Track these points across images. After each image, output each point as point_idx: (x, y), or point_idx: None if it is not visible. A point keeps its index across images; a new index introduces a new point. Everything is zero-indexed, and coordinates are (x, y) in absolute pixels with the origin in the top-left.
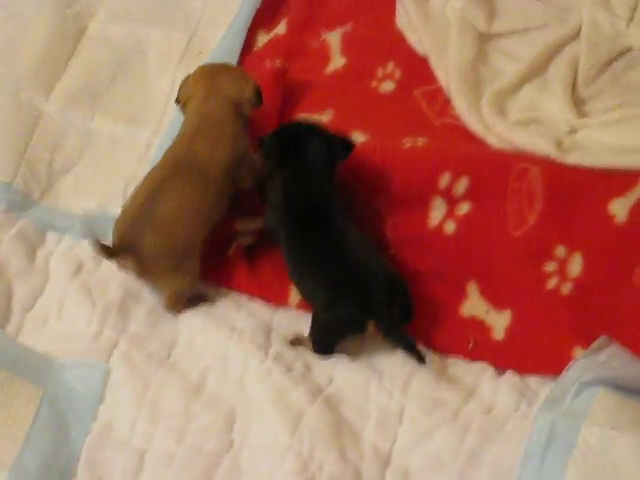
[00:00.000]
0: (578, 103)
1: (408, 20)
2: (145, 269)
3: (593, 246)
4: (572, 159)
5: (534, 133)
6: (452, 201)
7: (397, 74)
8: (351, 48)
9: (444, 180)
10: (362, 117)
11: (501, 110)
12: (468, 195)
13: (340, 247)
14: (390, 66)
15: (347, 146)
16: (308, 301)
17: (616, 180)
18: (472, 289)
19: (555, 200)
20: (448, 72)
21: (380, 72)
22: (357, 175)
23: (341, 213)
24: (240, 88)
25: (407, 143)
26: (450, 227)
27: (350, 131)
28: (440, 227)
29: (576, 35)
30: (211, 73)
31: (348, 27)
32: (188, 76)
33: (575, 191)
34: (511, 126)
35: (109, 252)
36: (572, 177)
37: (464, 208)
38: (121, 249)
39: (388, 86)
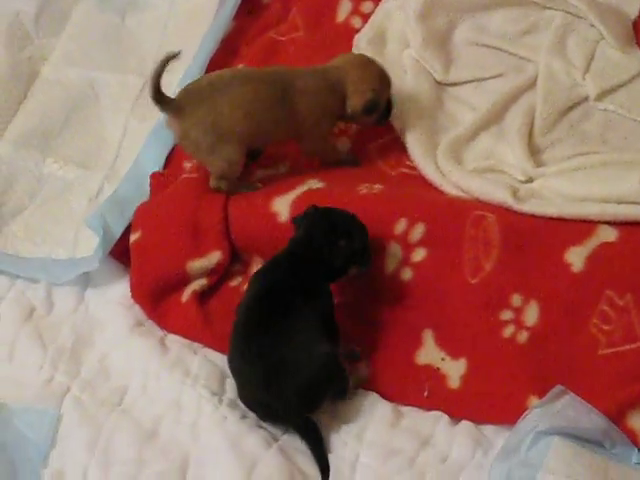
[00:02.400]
0: (535, 152)
1: None
2: (184, 136)
3: (549, 295)
4: (528, 207)
5: (490, 181)
6: (408, 247)
7: (351, 130)
8: None
9: (400, 226)
10: (318, 168)
11: (457, 158)
12: (424, 241)
13: (276, 341)
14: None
15: (368, 261)
16: None
17: (573, 229)
18: (427, 337)
19: (511, 248)
20: (404, 120)
21: (335, 128)
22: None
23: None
24: (355, 91)
25: (363, 189)
26: (406, 274)
27: (306, 180)
28: (396, 273)
29: (533, 84)
30: (363, 61)
31: None
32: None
33: (532, 239)
34: (467, 174)
35: (162, 102)
36: (528, 225)
37: (420, 254)
38: (174, 108)
39: (344, 145)
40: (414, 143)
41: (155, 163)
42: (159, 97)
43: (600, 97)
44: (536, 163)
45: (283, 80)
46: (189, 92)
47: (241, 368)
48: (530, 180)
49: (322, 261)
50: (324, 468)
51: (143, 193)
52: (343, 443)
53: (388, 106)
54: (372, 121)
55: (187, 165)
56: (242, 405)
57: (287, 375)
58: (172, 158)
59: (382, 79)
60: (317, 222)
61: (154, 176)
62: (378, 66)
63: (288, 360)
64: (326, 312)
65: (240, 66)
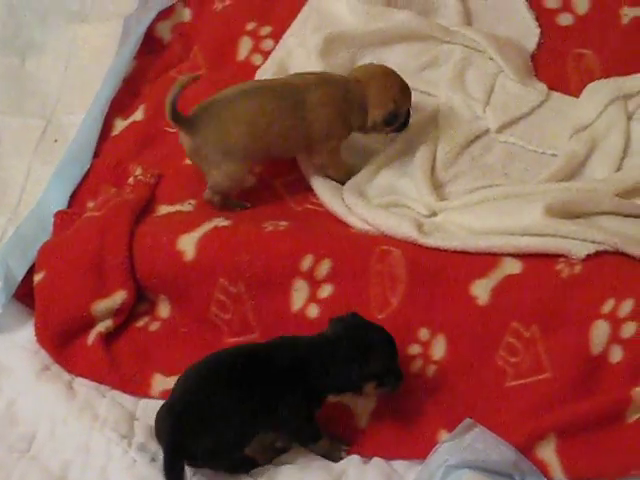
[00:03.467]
0: (437, 186)
1: None
2: (194, 152)
3: (456, 328)
4: (433, 241)
5: (395, 215)
6: (314, 284)
7: (257, 168)
8: None
9: (306, 263)
10: None
11: (361, 194)
12: (330, 278)
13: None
14: None
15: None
16: None
17: (477, 262)
18: None
19: (417, 282)
20: None
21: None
22: (218, 258)
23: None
24: (376, 102)
25: (269, 227)
26: (313, 310)
27: (212, 217)
28: (303, 310)
29: (434, 119)
30: (384, 72)
31: None
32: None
33: (437, 273)
34: (372, 208)
35: (178, 120)
36: (433, 259)
37: (327, 291)
38: (187, 125)
39: (249, 180)
40: (320, 180)
41: (59, 203)
42: (175, 116)
43: (501, 129)
44: (439, 197)
45: (295, 92)
46: (202, 109)
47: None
48: (434, 214)
49: (330, 373)
50: None
51: (46, 233)
52: None
53: (407, 115)
54: (390, 130)
55: (90, 204)
56: (152, 447)
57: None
58: (76, 197)
59: (402, 90)
60: (343, 332)
61: (58, 215)
62: (398, 77)
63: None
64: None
65: (253, 79)
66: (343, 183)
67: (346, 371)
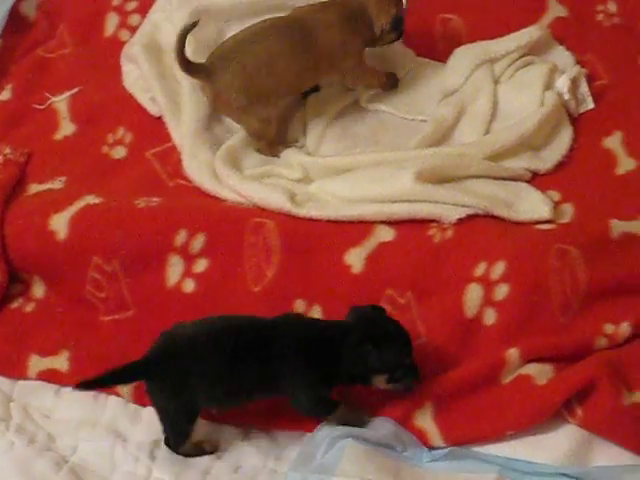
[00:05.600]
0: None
1: (137, 78)
2: (218, 99)
3: (331, 298)
4: (306, 211)
5: (268, 186)
6: (189, 258)
7: (128, 138)
8: (80, 114)
9: (180, 238)
10: (95, 182)
11: (235, 165)
12: (205, 252)
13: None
14: (120, 131)
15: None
16: None
17: (351, 230)
18: None
19: (292, 253)
20: (182, 132)
21: (110, 138)
22: (91, 237)
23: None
24: (380, 11)
25: (141, 203)
26: (188, 285)
27: (84, 195)
28: (178, 285)
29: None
30: None
31: (75, 91)
32: None
33: (311, 243)
34: (245, 180)
35: (192, 70)
36: (307, 230)
37: (202, 265)
38: (204, 72)
39: (120, 151)
40: (189, 157)
41: None
42: (187, 65)
43: (370, 99)
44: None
45: (300, 25)
46: (217, 56)
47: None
48: (306, 177)
49: (342, 358)
50: None
51: None
52: (134, 459)
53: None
54: (395, 37)
55: None
56: (30, 428)
57: None
58: None
59: None
60: (360, 320)
61: None
62: None
63: None
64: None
65: (264, 20)
66: (387, 89)
67: (356, 360)
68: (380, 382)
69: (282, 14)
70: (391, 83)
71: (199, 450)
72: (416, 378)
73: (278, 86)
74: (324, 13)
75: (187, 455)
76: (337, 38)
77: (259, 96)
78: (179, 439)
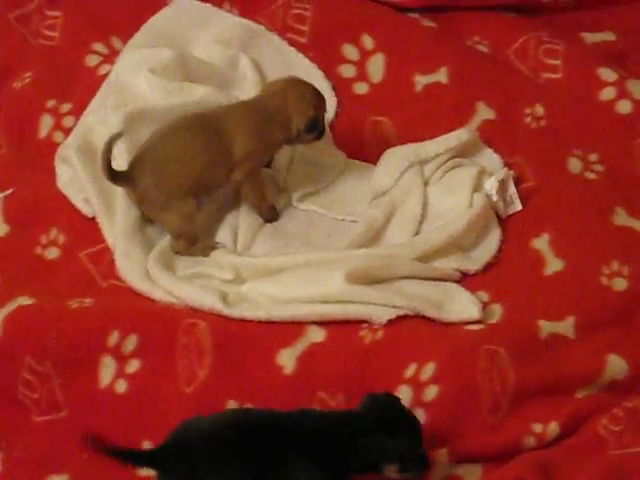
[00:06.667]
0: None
1: (71, 179)
2: (141, 201)
3: (263, 399)
4: (238, 312)
5: (200, 287)
6: (122, 359)
7: (61, 239)
8: (13, 215)
9: (113, 338)
10: (28, 283)
11: (168, 266)
12: (137, 352)
13: None
14: (53, 232)
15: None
16: None
17: (282, 331)
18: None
19: (224, 354)
20: (115, 233)
21: (44, 239)
22: (24, 337)
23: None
24: (297, 110)
25: (74, 304)
26: (121, 386)
27: (16, 296)
28: (111, 386)
29: (238, 192)
30: (298, 81)
31: (9, 192)
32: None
33: (243, 344)
34: (178, 280)
35: (115, 178)
36: (239, 330)
37: (134, 366)
38: (126, 179)
39: (53, 252)
40: (122, 259)
41: None
42: (113, 175)
43: (302, 199)
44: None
45: (214, 120)
46: (135, 159)
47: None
48: (238, 277)
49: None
50: None
51: None
52: None
53: (324, 121)
54: (313, 138)
55: None
56: None
57: None
58: None
59: (318, 96)
60: (374, 409)
61: None
62: (311, 84)
63: None
64: None
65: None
66: (264, 217)
67: (370, 449)
68: (391, 471)
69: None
70: (271, 216)
71: None
72: (427, 467)
73: (191, 182)
74: (237, 111)
75: None
76: (244, 137)
77: (175, 191)
78: None
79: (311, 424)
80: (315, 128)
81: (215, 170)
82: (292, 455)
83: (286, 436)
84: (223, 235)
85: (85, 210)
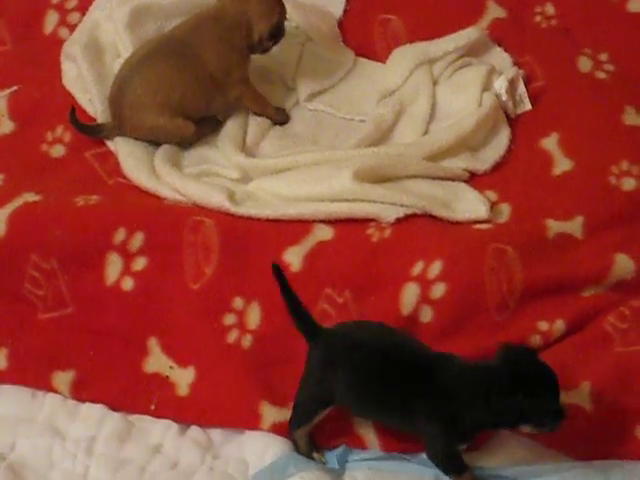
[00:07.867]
0: (248, 155)
1: (76, 78)
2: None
3: (270, 296)
4: (245, 210)
5: (207, 185)
6: (128, 257)
7: (67, 137)
8: (18, 112)
9: (119, 236)
10: (34, 180)
11: (174, 163)
12: (144, 250)
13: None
14: (59, 130)
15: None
16: None
17: (289, 229)
18: (153, 345)
19: (230, 251)
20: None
21: (50, 136)
22: (29, 234)
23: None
24: (260, 17)
25: (80, 201)
26: (127, 283)
27: (22, 192)
28: (117, 284)
29: None
30: None
31: (14, 89)
32: None
33: (250, 242)
34: (184, 178)
35: (95, 132)
36: (246, 228)
37: (140, 263)
38: (107, 129)
39: (58, 150)
40: (124, 155)
41: None
42: (89, 129)
43: (309, 98)
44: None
45: (182, 44)
46: (109, 106)
47: None
48: (245, 176)
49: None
50: None
51: None
52: (72, 457)
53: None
54: (272, 44)
55: None
56: None
57: None
58: None
59: (280, 3)
60: (511, 365)
61: None
62: None
63: None
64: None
65: (149, 41)
66: (274, 120)
67: (506, 408)
68: (526, 427)
69: None
70: (281, 118)
71: (304, 443)
72: (563, 419)
73: (172, 111)
74: (200, 30)
75: (294, 442)
76: (216, 55)
77: (163, 112)
78: (298, 420)
79: (447, 373)
80: (278, 35)
81: (195, 95)
82: (421, 399)
83: (423, 377)
84: (232, 131)
85: (90, 110)
